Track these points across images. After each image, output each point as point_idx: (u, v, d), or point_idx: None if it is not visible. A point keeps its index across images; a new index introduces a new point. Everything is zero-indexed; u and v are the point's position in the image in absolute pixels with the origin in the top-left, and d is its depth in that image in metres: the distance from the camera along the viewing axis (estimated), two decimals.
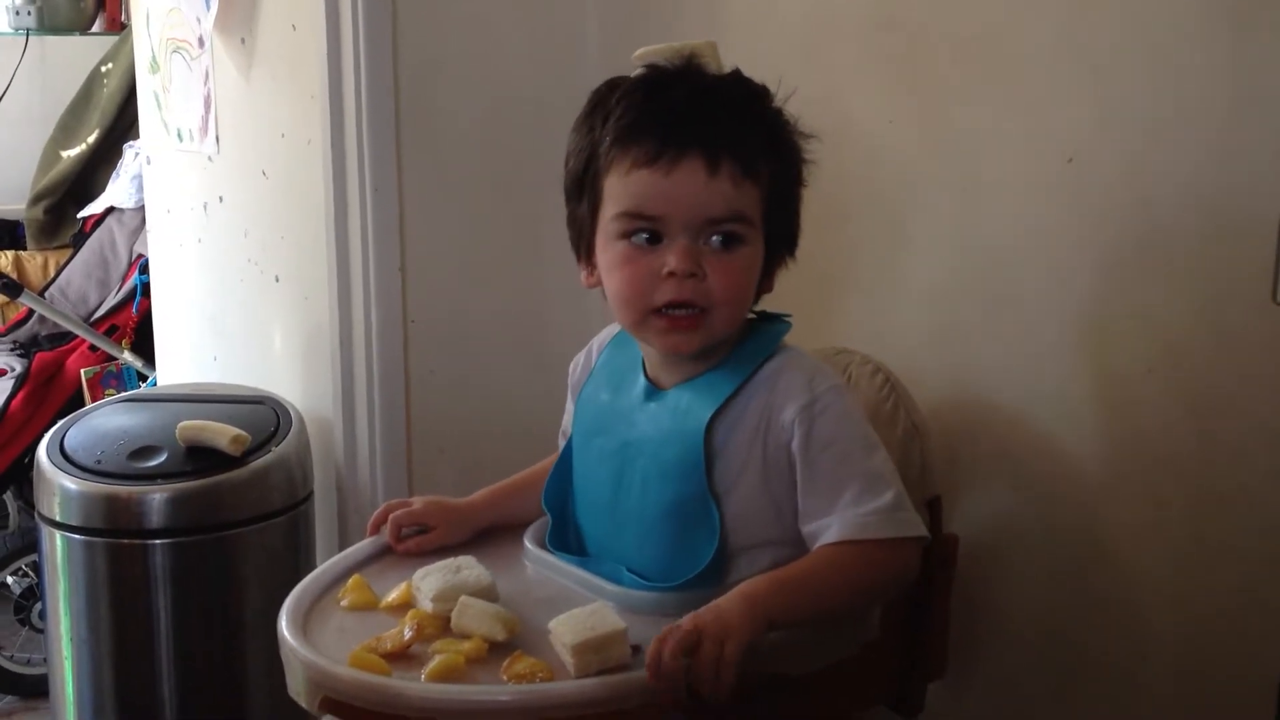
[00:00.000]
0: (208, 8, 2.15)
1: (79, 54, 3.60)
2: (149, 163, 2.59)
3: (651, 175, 1.22)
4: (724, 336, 1.28)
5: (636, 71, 1.29)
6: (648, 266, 1.24)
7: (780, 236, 1.30)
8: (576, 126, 1.31)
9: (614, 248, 1.27)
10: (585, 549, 1.38)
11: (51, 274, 3.28)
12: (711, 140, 1.22)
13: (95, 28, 3.65)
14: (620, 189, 1.24)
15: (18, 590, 2.78)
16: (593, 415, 1.39)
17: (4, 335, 3.12)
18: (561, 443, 1.46)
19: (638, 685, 1.12)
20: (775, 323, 1.34)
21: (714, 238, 1.24)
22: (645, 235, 1.24)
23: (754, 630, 1.13)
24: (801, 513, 1.25)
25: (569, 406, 1.47)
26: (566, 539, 1.39)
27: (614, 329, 1.43)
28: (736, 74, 1.30)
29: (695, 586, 1.24)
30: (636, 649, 1.15)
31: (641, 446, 1.31)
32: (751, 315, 1.33)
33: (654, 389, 1.33)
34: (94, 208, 3.26)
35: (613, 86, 1.29)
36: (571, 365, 1.48)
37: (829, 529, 1.22)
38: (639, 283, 1.25)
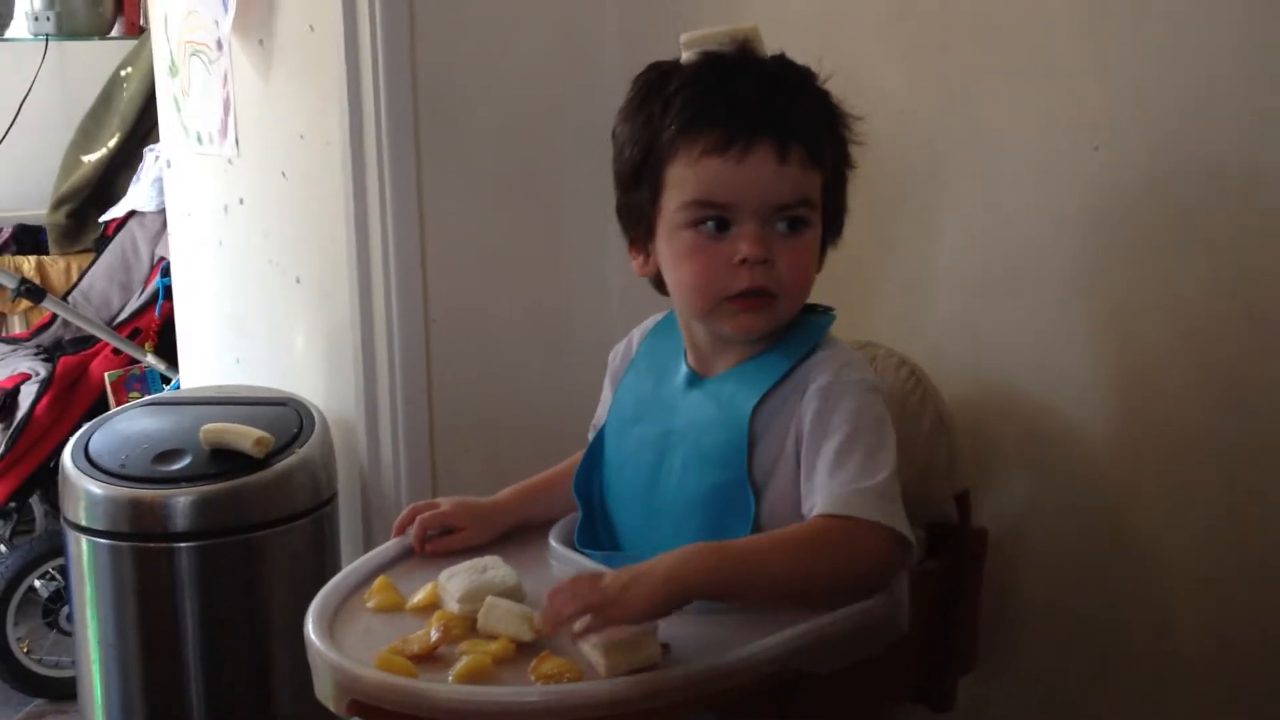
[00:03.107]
0: (225, 10, 2.15)
1: (98, 59, 3.61)
2: (169, 166, 2.60)
3: (723, 163, 1.22)
4: (789, 319, 1.28)
5: (687, 57, 1.28)
6: (719, 255, 1.24)
7: (833, 218, 1.31)
8: (629, 115, 1.30)
9: (681, 237, 1.26)
10: (616, 542, 1.37)
11: (74, 278, 3.29)
12: (781, 127, 1.22)
13: (114, 32, 3.66)
14: (688, 177, 1.24)
15: (45, 594, 2.78)
16: (633, 404, 1.38)
17: (28, 340, 3.13)
18: (592, 436, 1.46)
19: (667, 685, 1.11)
20: (820, 315, 1.33)
21: (781, 223, 1.24)
22: (713, 223, 1.24)
23: (654, 609, 1.11)
24: (802, 496, 1.24)
25: (605, 396, 1.46)
26: (596, 532, 1.38)
27: (654, 319, 1.43)
28: (784, 57, 1.29)
29: None
30: (666, 647, 1.15)
31: (684, 433, 1.31)
32: None
33: (696, 377, 1.33)
34: (115, 212, 3.26)
35: (664, 73, 1.28)
36: (611, 354, 1.47)
37: (814, 507, 1.21)
38: (711, 271, 1.25)
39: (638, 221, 1.31)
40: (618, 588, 1.11)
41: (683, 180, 1.24)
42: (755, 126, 1.21)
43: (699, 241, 1.25)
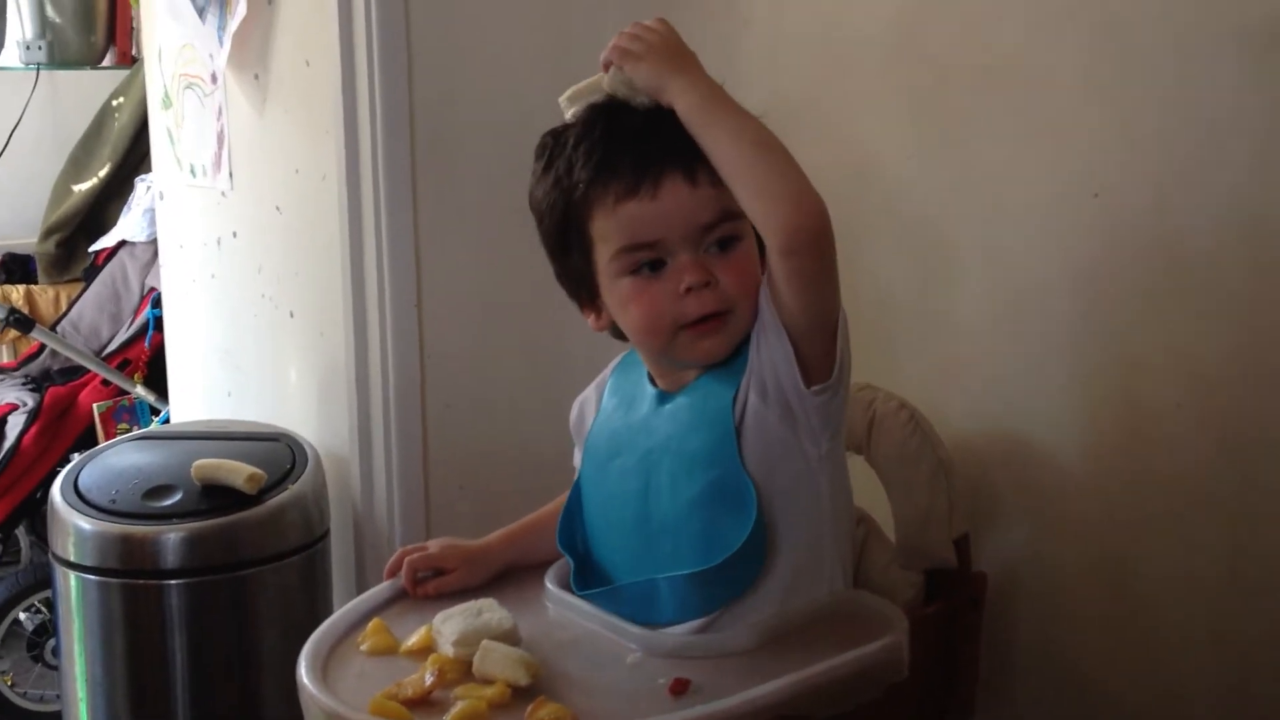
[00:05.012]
0: (220, 44, 2.15)
1: (90, 88, 3.61)
2: (161, 198, 2.59)
3: (639, 204, 1.24)
4: (748, 331, 1.28)
5: (571, 113, 1.32)
6: (663, 291, 1.26)
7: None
8: (537, 182, 1.32)
9: (621, 285, 1.28)
10: (610, 583, 1.36)
11: (63, 308, 3.28)
12: (681, 154, 1.24)
13: (106, 62, 3.65)
14: (610, 227, 1.26)
15: (30, 626, 2.77)
16: (606, 442, 1.39)
17: (16, 370, 3.11)
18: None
19: None
20: None
21: (713, 245, 1.26)
22: (648, 263, 1.26)
23: (657, 75, 1.24)
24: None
25: (577, 450, 1.47)
26: (587, 581, 1.37)
27: (610, 366, 1.45)
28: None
29: (736, 566, 1.24)
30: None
31: (665, 447, 1.31)
32: None
33: (665, 394, 1.34)
34: (106, 241, 3.26)
35: (558, 135, 1.31)
36: (574, 407, 1.48)
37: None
38: (659, 307, 1.26)
39: (579, 283, 1.33)
40: (653, 41, 1.26)
41: (607, 232, 1.26)
42: (657, 161, 1.24)
43: (640, 284, 1.27)
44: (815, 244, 1.20)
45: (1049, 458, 1.51)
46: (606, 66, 1.29)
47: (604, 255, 1.28)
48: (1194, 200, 1.35)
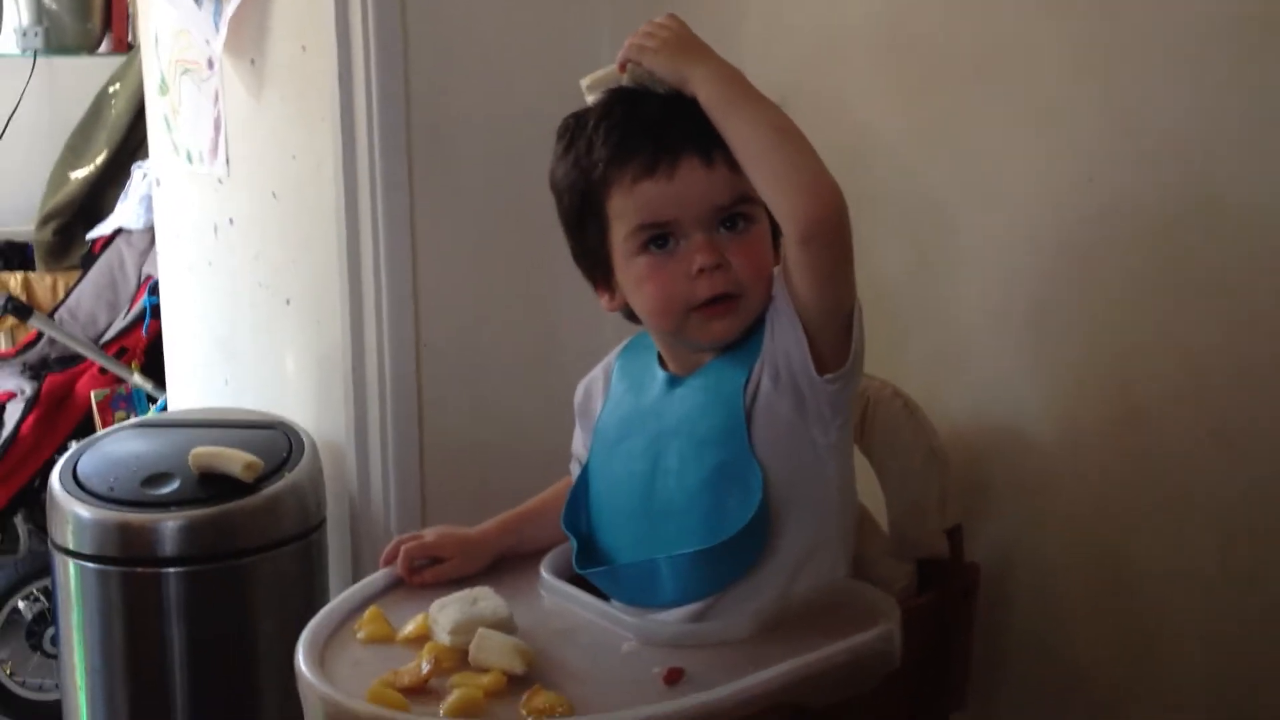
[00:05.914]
0: (217, 30, 2.15)
1: (87, 75, 3.60)
2: (158, 184, 2.59)
3: (655, 184, 1.25)
4: (759, 314, 1.29)
5: (593, 98, 1.33)
6: (675, 270, 1.27)
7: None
8: (558, 161, 1.34)
9: (635, 263, 1.29)
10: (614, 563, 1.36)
11: (61, 295, 3.28)
12: (699, 137, 1.25)
13: (102, 48, 3.64)
14: (627, 205, 1.27)
15: (29, 615, 2.77)
16: (616, 426, 1.39)
17: (14, 357, 3.11)
18: (574, 467, 1.45)
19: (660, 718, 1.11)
20: None
21: (726, 225, 1.27)
22: (662, 242, 1.27)
23: (673, 67, 1.26)
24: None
25: (578, 432, 1.47)
26: (590, 561, 1.37)
27: (618, 349, 1.46)
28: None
29: (738, 546, 1.25)
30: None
31: (676, 430, 1.32)
32: None
33: (676, 378, 1.34)
34: (103, 229, 3.25)
35: (579, 117, 1.33)
36: (579, 390, 1.48)
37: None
38: (671, 287, 1.27)
39: (595, 262, 1.34)
40: (667, 36, 1.27)
41: (624, 210, 1.27)
42: (675, 142, 1.25)
43: (653, 263, 1.28)
44: (831, 234, 1.21)
45: (1042, 447, 1.51)
46: (623, 66, 1.30)
47: (620, 233, 1.29)
48: (1188, 187, 1.35)
